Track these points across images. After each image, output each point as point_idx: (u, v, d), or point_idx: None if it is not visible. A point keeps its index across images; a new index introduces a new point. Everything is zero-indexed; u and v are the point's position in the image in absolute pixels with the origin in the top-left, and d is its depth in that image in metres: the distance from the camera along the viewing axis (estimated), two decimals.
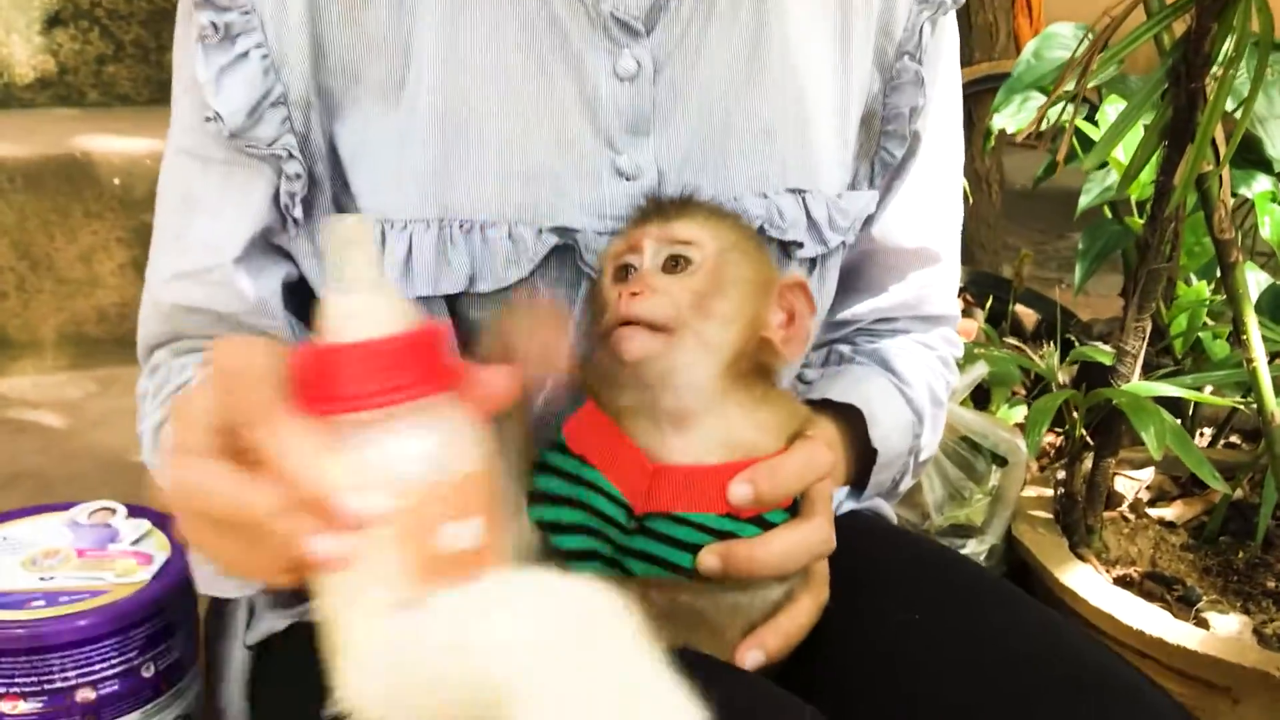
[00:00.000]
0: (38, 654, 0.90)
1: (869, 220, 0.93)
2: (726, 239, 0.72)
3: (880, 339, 0.99)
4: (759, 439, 0.69)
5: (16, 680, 0.90)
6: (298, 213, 0.78)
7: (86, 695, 0.92)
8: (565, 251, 0.78)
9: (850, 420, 0.89)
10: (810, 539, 0.71)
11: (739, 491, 0.67)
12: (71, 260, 2.29)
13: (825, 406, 0.89)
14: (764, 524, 0.69)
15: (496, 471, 0.52)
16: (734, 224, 0.74)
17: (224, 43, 0.73)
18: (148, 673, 0.96)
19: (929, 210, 0.95)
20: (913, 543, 0.94)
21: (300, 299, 0.83)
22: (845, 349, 0.98)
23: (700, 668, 0.65)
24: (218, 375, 0.51)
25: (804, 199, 0.84)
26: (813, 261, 0.86)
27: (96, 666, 0.92)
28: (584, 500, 0.68)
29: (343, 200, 0.79)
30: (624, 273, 0.72)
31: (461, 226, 0.76)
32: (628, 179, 0.79)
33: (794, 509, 0.72)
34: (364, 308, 0.49)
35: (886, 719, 0.74)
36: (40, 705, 0.92)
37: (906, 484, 1.00)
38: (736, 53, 0.82)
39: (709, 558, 0.67)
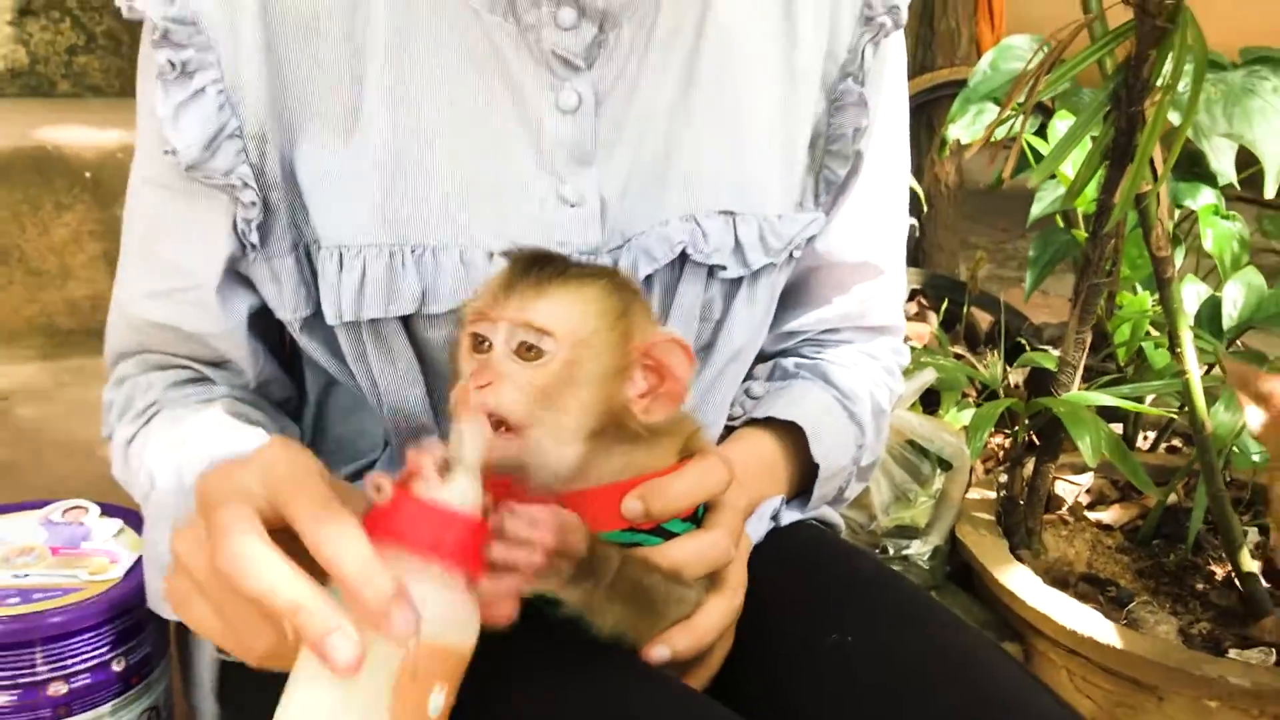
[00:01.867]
0: (13, 649, 0.94)
1: (813, 236, 0.95)
2: (586, 326, 0.68)
3: (825, 349, 1.02)
4: (649, 460, 0.71)
5: None
6: (254, 238, 0.80)
7: (59, 689, 0.96)
8: None
9: (793, 435, 0.93)
10: (706, 550, 0.73)
11: (630, 507, 0.69)
12: (43, 252, 2.31)
13: (768, 423, 0.93)
14: (666, 534, 0.72)
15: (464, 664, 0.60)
16: (602, 295, 0.70)
17: (181, 79, 0.76)
18: (118, 667, 0.99)
19: (872, 226, 0.98)
20: (854, 560, 0.96)
21: (264, 322, 0.86)
22: (789, 363, 1.00)
23: (642, 690, 0.69)
24: (264, 471, 0.57)
25: (734, 221, 0.87)
26: (736, 281, 0.89)
27: (69, 661, 0.96)
28: None
29: (301, 226, 0.82)
30: (480, 341, 0.69)
31: (413, 251, 0.79)
32: (572, 206, 0.82)
33: (698, 519, 0.75)
34: (466, 488, 0.58)
35: None
36: (14, 698, 0.95)
37: (854, 490, 1.03)
38: (674, 84, 0.85)
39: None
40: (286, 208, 0.81)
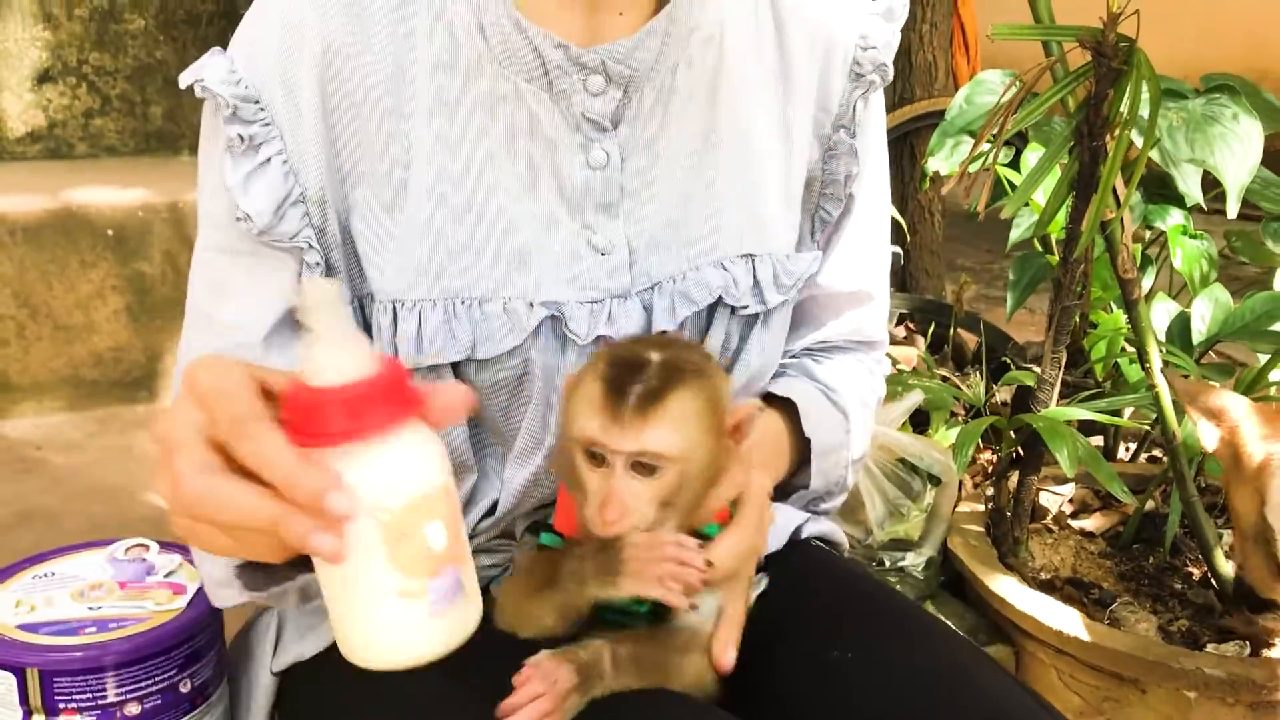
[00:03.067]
0: (92, 674, 1.03)
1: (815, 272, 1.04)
2: (691, 441, 0.78)
3: (816, 357, 1.11)
4: None
5: (74, 697, 1.03)
6: None
7: (133, 709, 1.05)
8: (553, 322, 0.89)
9: (790, 416, 1.02)
10: (744, 541, 0.82)
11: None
12: (69, 307, 2.41)
13: (769, 402, 1.02)
14: (702, 537, 0.81)
15: (448, 494, 0.64)
16: (695, 401, 0.78)
17: (249, 152, 0.84)
18: (185, 688, 1.08)
19: (863, 258, 1.07)
20: (855, 579, 1.03)
21: None
22: (777, 368, 1.08)
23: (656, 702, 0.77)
24: (198, 394, 0.60)
25: (753, 263, 0.96)
26: (753, 317, 0.97)
27: (143, 683, 1.05)
28: None
29: (358, 283, 0.90)
30: (595, 458, 0.78)
31: (463, 303, 0.88)
32: (602, 254, 0.91)
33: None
34: (337, 357, 0.60)
35: None
36: (94, 718, 1.05)
37: (848, 480, 1.10)
38: (691, 140, 0.94)
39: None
40: (345, 265, 0.89)
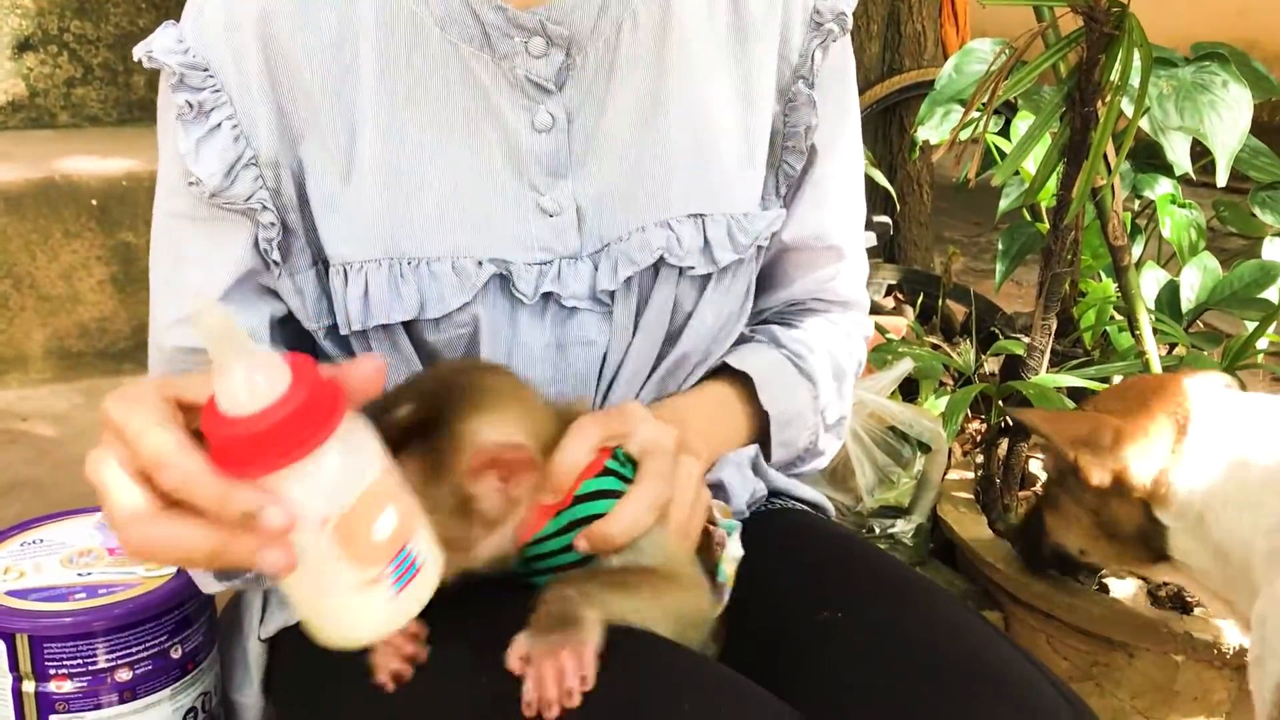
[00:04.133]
0: (82, 639, 1.02)
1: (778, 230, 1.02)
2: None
3: (789, 321, 1.08)
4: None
5: (64, 663, 1.02)
6: (276, 256, 0.89)
7: (124, 675, 1.05)
8: (501, 281, 0.90)
9: (747, 387, 1.00)
10: (647, 499, 0.80)
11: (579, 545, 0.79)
12: (53, 278, 2.38)
13: (722, 373, 1.01)
14: (590, 496, 0.80)
15: (386, 480, 0.63)
16: (405, 462, 0.71)
17: (199, 117, 0.85)
18: (176, 654, 1.08)
19: (831, 212, 1.05)
20: (842, 541, 1.03)
21: (294, 333, 0.94)
22: (747, 331, 1.07)
23: (679, 670, 0.76)
24: (114, 429, 0.59)
25: (703, 222, 0.95)
26: (706, 277, 0.96)
27: (133, 649, 1.04)
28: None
29: (317, 247, 0.90)
30: None
31: (409, 263, 0.88)
32: (550, 216, 0.91)
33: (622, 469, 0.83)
34: (248, 381, 0.58)
35: (803, 701, 0.81)
36: (84, 684, 1.04)
37: (828, 444, 1.08)
38: (639, 100, 0.93)
39: (580, 543, 0.79)
40: (303, 228, 0.90)
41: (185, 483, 0.58)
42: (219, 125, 0.85)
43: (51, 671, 1.03)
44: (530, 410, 0.80)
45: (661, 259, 0.93)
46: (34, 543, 1.14)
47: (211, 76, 0.85)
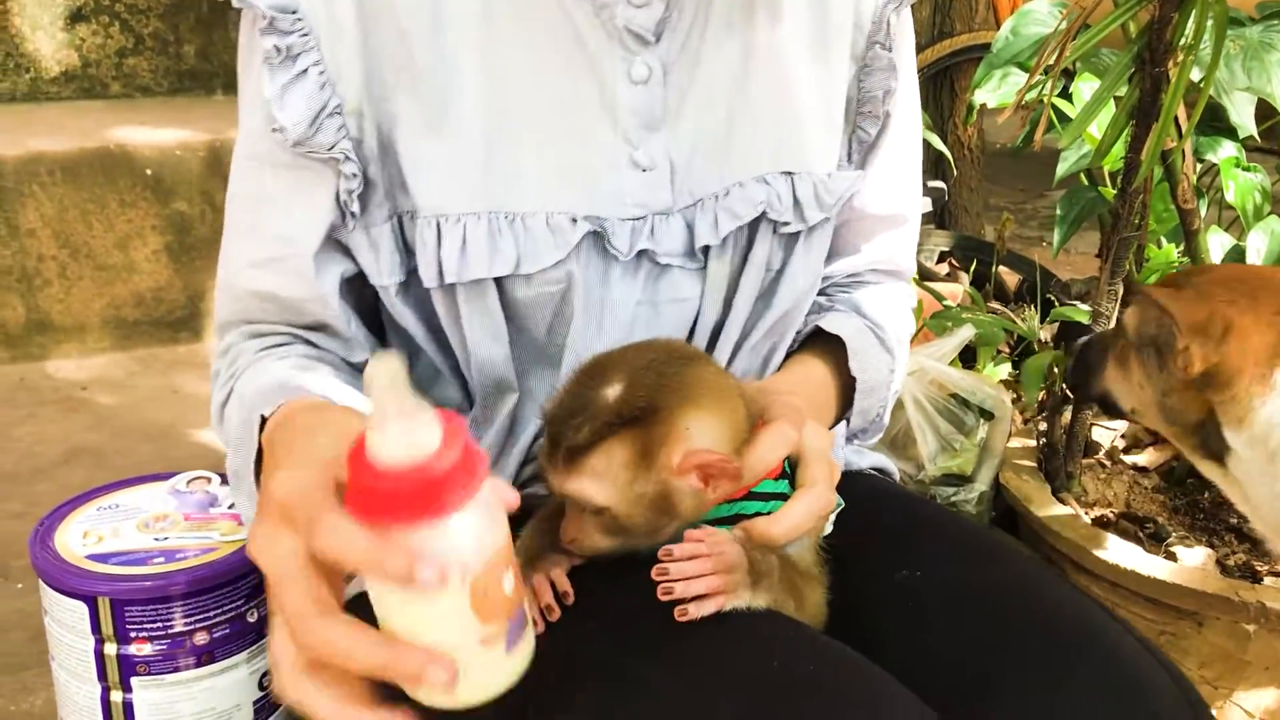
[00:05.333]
0: (161, 603, 1.03)
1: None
2: (614, 490, 0.76)
3: (850, 291, 1.09)
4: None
5: (144, 626, 1.04)
6: (355, 208, 0.88)
7: (201, 638, 1.06)
8: (595, 238, 0.89)
9: (833, 355, 1.00)
10: (813, 506, 0.79)
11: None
12: (109, 247, 2.40)
13: (815, 340, 1.01)
14: (762, 496, 0.81)
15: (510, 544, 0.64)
16: (619, 452, 0.76)
17: (286, 62, 0.84)
18: (252, 618, 1.09)
19: (898, 180, 1.05)
20: (914, 503, 1.04)
21: (357, 292, 0.94)
22: (823, 300, 1.07)
23: (811, 658, 0.76)
24: (282, 509, 0.61)
25: (793, 180, 0.95)
26: (794, 235, 0.96)
27: (210, 613, 1.06)
28: None
29: (398, 198, 0.89)
30: None
31: (506, 217, 0.87)
32: (644, 170, 0.91)
33: (789, 473, 0.83)
34: (407, 434, 0.57)
35: (888, 661, 0.80)
36: (163, 647, 1.05)
37: (884, 419, 1.09)
38: (731, 56, 0.93)
39: (739, 534, 0.77)
40: (384, 180, 0.89)
41: (339, 544, 0.58)
42: (305, 71, 0.84)
43: (132, 634, 1.04)
44: (734, 408, 0.80)
45: (763, 214, 0.93)
46: (110, 508, 1.15)
47: (301, 20, 0.83)
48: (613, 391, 0.76)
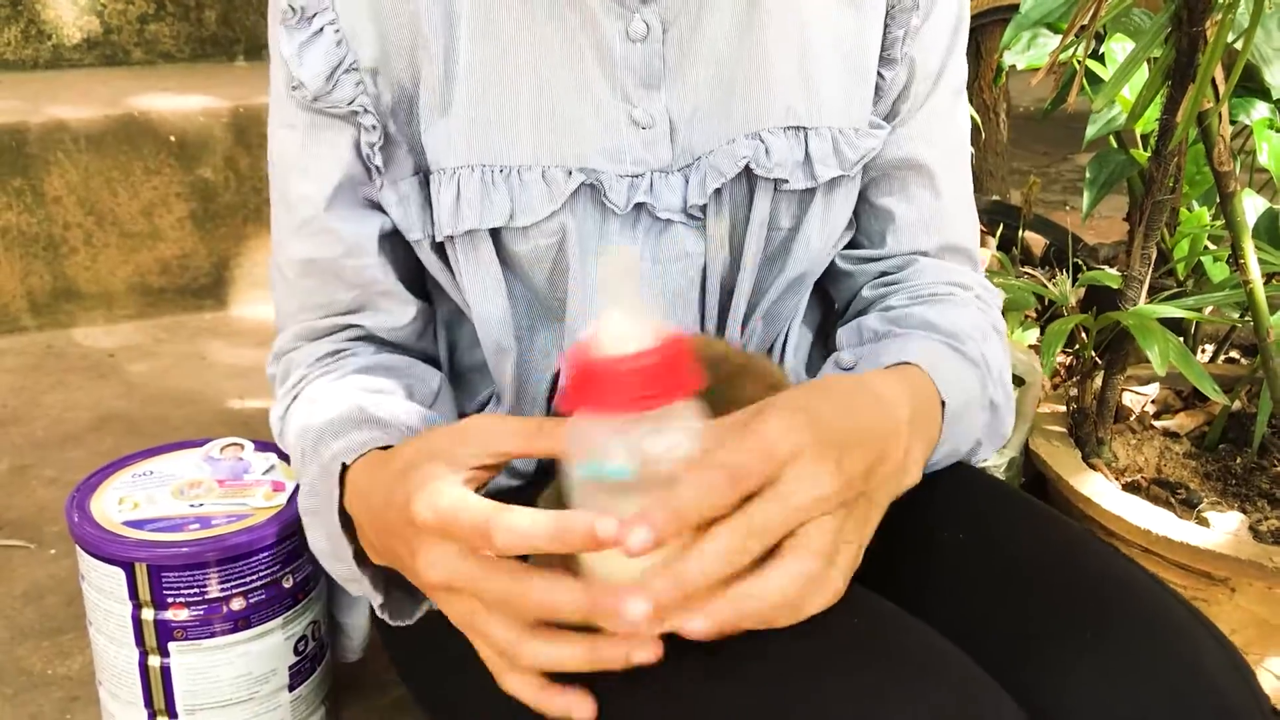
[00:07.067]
0: (198, 569, 1.04)
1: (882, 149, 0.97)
2: None
3: (908, 286, 0.99)
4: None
5: (181, 592, 1.04)
6: (378, 161, 0.90)
7: (238, 604, 1.07)
8: (591, 191, 0.90)
9: (913, 381, 0.84)
10: (788, 588, 0.65)
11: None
12: (134, 215, 2.40)
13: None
14: None
15: None
16: None
17: (301, 23, 0.87)
18: (287, 584, 1.10)
19: (937, 136, 1.00)
20: (955, 467, 0.96)
21: (397, 249, 0.95)
22: (872, 320, 0.97)
23: (912, 665, 0.73)
24: (441, 529, 0.65)
25: (805, 135, 0.92)
26: (809, 192, 0.93)
27: (247, 579, 1.06)
28: None
29: (420, 156, 0.91)
30: None
31: (501, 171, 0.88)
32: (643, 128, 0.90)
33: None
34: (633, 327, 0.59)
35: (931, 619, 0.78)
36: (200, 613, 1.06)
37: (990, 447, 0.97)
38: (736, 9, 0.91)
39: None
40: (405, 136, 0.90)
41: (517, 536, 0.62)
42: (321, 30, 0.87)
43: (169, 600, 1.05)
44: None
45: (748, 169, 0.91)
46: (145, 474, 1.16)
47: None
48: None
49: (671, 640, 0.72)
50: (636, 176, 0.90)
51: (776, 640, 0.71)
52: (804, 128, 0.93)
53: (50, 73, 2.75)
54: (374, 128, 0.89)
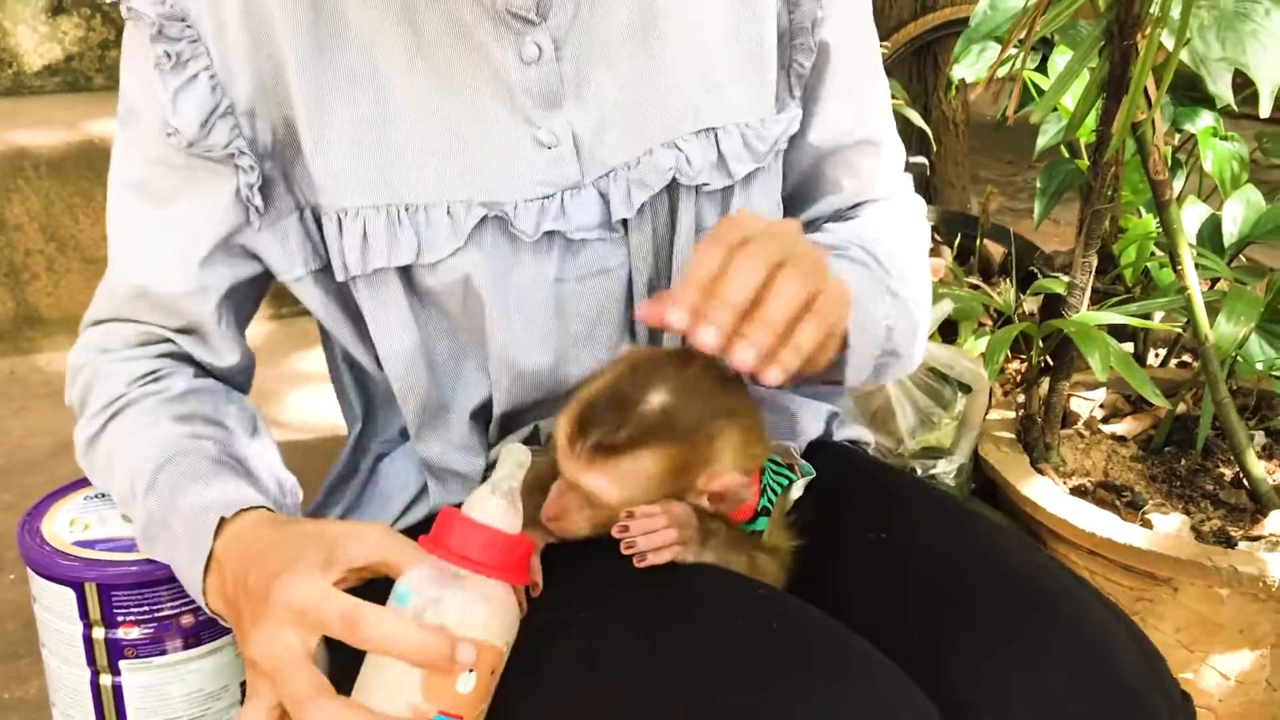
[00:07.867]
0: (148, 587, 1.05)
1: (806, 130, 1.01)
2: (633, 494, 0.80)
3: (848, 220, 1.05)
4: None
5: (131, 610, 1.05)
6: (258, 201, 0.90)
7: (187, 620, 1.08)
8: (498, 221, 0.90)
9: None
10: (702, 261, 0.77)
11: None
12: (96, 241, 2.41)
13: None
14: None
15: (503, 657, 0.72)
16: (654, 462, 0.79)
17: (176, 68, 0.85)
18: None
19: (858, 106, 1.03)
20: (886, 471, 1.05)
21: (238, 299, 0.97)
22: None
23: (774, 616, 0.78)
24: (295, 613, 0.71)
25: (715, 136, 0.94)
26: (728, 190, 0.95)
27: None
28: None
29: (303, 191, 0.91)
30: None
31: (407, 209, 0.89)
32: (548, 148, 0.91)
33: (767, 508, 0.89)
34: (501, 509, 0.71)
35: (855, 620, 0.82)
36: (150, 630, 1.07)
37: (911, 349, 1.00)
38: (628, 20, 0.92)
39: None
40: (281, 176, 0.91)
41: (383, 634, 0.69)
42: (195, 76, 0.86)
43: (119, 619, 1.06)
44: (760, 437, 0.86)
45: (674, 180, 0.92)
46: (96, 498, 1.16)
47: (189, 27, 0.85)
48: (659, 400, 0.78)
49: (588, 648, 0.75)
50: (547, 198, 0.91)
51: (692, 645, 0.73)
52: (713, 128, 0.94)
53: (11, 100, 2.76)
54: (251, 168, 0.88)
